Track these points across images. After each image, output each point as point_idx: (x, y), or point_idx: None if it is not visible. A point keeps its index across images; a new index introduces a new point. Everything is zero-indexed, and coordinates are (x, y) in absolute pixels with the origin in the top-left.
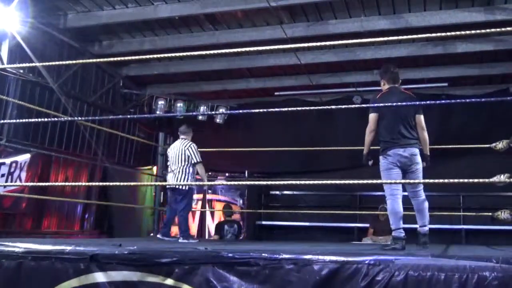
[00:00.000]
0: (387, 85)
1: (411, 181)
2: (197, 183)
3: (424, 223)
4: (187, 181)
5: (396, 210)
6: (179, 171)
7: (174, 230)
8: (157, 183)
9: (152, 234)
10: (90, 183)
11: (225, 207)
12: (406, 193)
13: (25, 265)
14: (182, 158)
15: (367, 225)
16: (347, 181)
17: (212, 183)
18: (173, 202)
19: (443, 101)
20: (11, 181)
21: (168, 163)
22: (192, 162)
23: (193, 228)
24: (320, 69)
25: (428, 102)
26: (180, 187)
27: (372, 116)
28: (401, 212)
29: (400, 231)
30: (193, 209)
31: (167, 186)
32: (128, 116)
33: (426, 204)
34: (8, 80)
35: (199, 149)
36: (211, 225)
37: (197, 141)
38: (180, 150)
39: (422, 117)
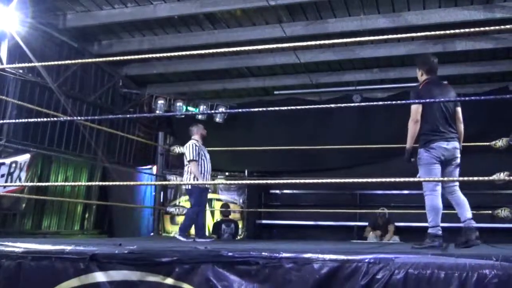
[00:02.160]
0: (425, 75)
1: (410, 179)
2: (204, 182)
3: (469, 216)
4: (188, 180)
5: (436, 206)
6: (184, 172)
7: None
8: (157, 183)
9: (152, 234)
10: (90, 183)
11: (222, 206)
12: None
13: (25, 265)
14: (184, 158)
15: (366, 223)
16: (347, 180)
17: (214, 182)
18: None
19: (442, 99)
20: (11, 181)
21: None
22: (187, 159)
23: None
24: (320, 68)
25: (427, 100)
26: (185, 186)
27: (416, 108)
28: (441, 209)
29: (438, 228)
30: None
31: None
32: (128, 116)
33: (464, 198)
34: (7, 80)
35: None
36: (211, 224)
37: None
38: (185, 150)
39: (460, 109)
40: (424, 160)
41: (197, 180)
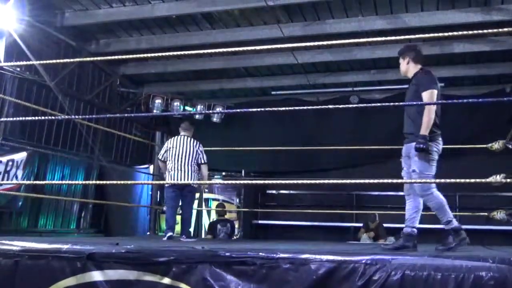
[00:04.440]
0: (418, 64)
1: (408, 180)
2: (201, 182)
3: (416, 224)
4: (195, 179)
5: (442, 201)
6: (188, 169)
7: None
8: (154, 182)
9: (148, 233)
10: (87, 182)
11: (218, 206)
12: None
13: (22, 264)
14: (191, 156)
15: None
16: (343, 181)
17: (211, 182)
18: (175, 199)
19: (439, 101)
20: (7, 179)
21: (162, 157)
22: (200, 162)
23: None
24: (317, 69)
25: (424, 102)
26: (192, 184)
27: (436, 93)
28: (445, 201)
29: (452, 222)
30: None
31: (172, 184)
32: (125, 115)
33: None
34: (4, 78)
35: None
36: (207, 224)
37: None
38: (190, 148)
39: None
40: (432, 155)
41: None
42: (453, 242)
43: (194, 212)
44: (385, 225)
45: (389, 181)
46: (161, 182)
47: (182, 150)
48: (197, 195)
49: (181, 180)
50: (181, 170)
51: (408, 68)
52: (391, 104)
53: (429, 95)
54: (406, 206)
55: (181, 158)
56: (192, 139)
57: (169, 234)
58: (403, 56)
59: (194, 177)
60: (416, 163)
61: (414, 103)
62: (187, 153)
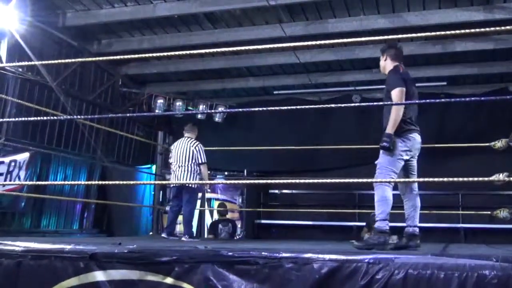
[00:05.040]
0: (394, 61)
1: (408, 179)
2: (203, 181)
3: (416, 222)
4: (194, 179)
5: (388, 198)
6: (186, 169)
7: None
8: (156, 182)
9: (151, 233)
10: (89, 182)
11: (219, 206)
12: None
13: (25, 264)
14: (189, 156)
15: (365, 224)
16: (346, 180)
17: (213, 182)
18: (175, 199)
19: (442, 100)
20: (10, 180)
21: (170, 160)
22: (199, 161)
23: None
24: (319, 68)
25: (427, 101)
26: (188, 184)
27: (402, 91)
28: (391, 201)
29: (386, 223)
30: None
31: (172, 184)
32: (127, 115)
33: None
34: (7, 78)
35: None
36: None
37: (196, 139)
38: (187, 148)
39: None
40: (396, 150)
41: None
42: (373, 240)
43: (197, 212)
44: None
45: (392, 180)
46: (163, 182)
47: (182, 151)
48: (200, 195)
49: (180, 180)
50: (180, 170)
51: (385, 65)
52: (394, 103)
53: (396, 94)
54: (404, 205)
55: (181, 159)
56: (190, 139)
57: (163, 234)
58: (382, 54)
59: (193, 177)
60: (380, 157)
61: (416, 101)
62: (186, 154)
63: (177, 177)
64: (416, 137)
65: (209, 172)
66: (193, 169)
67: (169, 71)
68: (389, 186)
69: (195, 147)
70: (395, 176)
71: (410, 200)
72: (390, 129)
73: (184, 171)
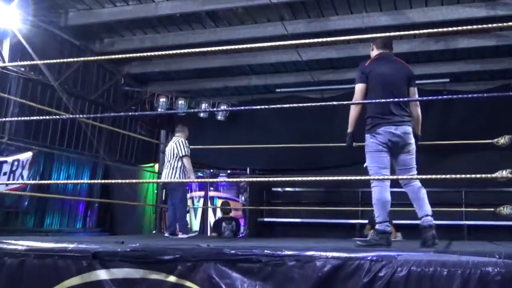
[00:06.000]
0: (376, 50)
1: (409, 177)
2: (201, 180)
3: (426, 212)
4: (175, 175)
5: (385, 199)
6: (168, 167)
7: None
8: (158, 180)
9: (154, 232)
10: (92, 181)
11: (223, 204)
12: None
13: (28, 263)
14: (172, 153)
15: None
16: (348, 178)
17: (215, 180)
18: (168, 198)
19: (445, 97)
20: (13, 179)
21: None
22: (179, 155)
23: (195, 225)
24: (321, 66)
25: (429, 97)
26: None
27: (359, 87)
28: (390, 202)
29: (387, 224)
30: (194, 207)
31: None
32: (130, 114)
33: (424, 191)
34: (9, 78)
35: (200, 146)
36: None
37: (199, 138)
38: (171, 146)
39: (415, 90)
40: (370, 147)
41: (186, 175)
42: (375, 241)
43: (199, 211)
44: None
45: (394, 177)
46: (166, 180)
47: (168, 150)
48: (202, 193)
49: (165, 178)
50: (166, 168)
51: (371, 55)
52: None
53: (355, 91)
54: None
55: (167, 158)
56: (176, 137)
57: (166, 233)
58: (371, 43)
59: (176, 173)
60: (366, 159)
61: (418, 99)
62: (170, 151)
63: (164, 175)
64: (389, 129)
65: (211, 170)
66: (175, 165)
67: (171, 70)
68: (384, 186)
69: (175, 142)
70: (388, 172)
71: (408, 194)
72: (349, 127)
73: (168, 168)
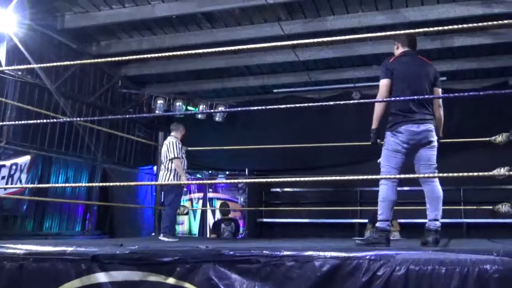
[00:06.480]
0: (401, 48)
1: (409, 176)
2: (208, 181)
3: (436, 216)
4: (169, 177)
5: (391, 198)
6: (162, 169)
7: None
8: (157, 183)
9: (153, 234)
10: (91, 184)
11: (222, 206)
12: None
13: (27, 267)
14: (165, 155)
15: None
16: (347, 177)
17: (214, 181)
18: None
19: (441, 95)
20: (12, 183)
21: None
22: (170, 157)
23: (195, 227)
24: (319, 66)
25: (426, 96)
26: (163, 183)
27: (384, 83)
28: (395, 202)
29: (388, 223)
30: (193, 209)
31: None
32: (127, 116)
33: (441, 194)
34: (6, 82)
35: (199, 148)
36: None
37: (197, 139)
38: (164, 148)
39: (440, 91)
40: (389, 145)
41: (179, 177)
42: (375, 239)
43: (199, 212)
44: None
45: (393, 176)
46: (164, 183)
47: (162, 151)
48: (201, 194)
49: (160, 179)
50: (161, 170)
51: (395, 53)
52: (393, 99)
53: (380, 87)
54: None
55: (161, 159)
56: (169, 137)
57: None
58: (394, 43)
59: (165, 175)
60: (381, 155)
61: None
62: (163, 153)
63: (159, 177)
64: (411, 127)
65: (210, 171)
66: (169, 167)
67: (168, 72)
68: (389, 184)
69: (166, 144)
70: (397, 172)
71: (425, 191)
72: (373, 124)
73: (162, 170)
